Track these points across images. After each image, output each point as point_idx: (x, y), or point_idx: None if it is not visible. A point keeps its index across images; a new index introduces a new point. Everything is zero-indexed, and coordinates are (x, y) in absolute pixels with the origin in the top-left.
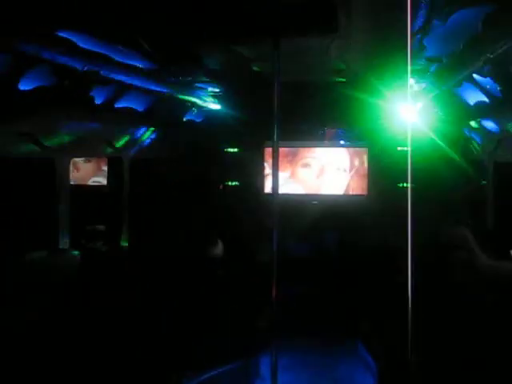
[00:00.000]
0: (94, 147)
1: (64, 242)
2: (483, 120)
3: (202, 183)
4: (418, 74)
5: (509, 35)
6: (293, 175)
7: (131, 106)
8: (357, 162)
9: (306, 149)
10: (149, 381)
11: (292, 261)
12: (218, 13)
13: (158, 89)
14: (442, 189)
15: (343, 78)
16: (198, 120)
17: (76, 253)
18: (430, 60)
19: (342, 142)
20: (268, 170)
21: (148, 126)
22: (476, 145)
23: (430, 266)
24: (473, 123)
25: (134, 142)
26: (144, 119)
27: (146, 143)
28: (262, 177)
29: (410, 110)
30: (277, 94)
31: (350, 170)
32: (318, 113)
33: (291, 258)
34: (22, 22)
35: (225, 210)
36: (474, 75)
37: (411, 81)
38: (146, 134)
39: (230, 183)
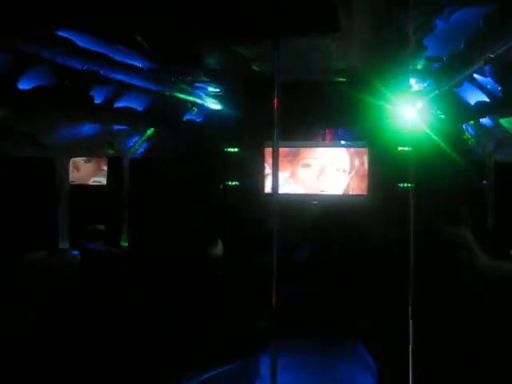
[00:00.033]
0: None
1: (64, 242)
2: (483, 119)
3: (202, 183)
4: (419, 73)
5: (510, 34)
6: (293, 175)
7: (131, 106)
8: (357, 163)
9: (307, 149)
10: (149, 381)
11: (292, 260)
12: (217, 13)
13: (158, 88)
14: (442, 188)
15: (343, 77)
16: (198, 120)
17: (76, 253)
18: (431, 60)
19: (342, 142)
20: (268, 169)
21: (148, 126)
22: (476, 144)
23: (430, 266)
24: (473, 123)
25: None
26: (144, 119)
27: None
28: (263, 177)
29: (410, 110)
30: (277, 93)
31: (350, 171)
32: (318, 113)
33: (291, 257)
34: (21, 21)
35: (225, 210)
36: (475, 75)
37: (412, 81)
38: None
39: (230, 183)
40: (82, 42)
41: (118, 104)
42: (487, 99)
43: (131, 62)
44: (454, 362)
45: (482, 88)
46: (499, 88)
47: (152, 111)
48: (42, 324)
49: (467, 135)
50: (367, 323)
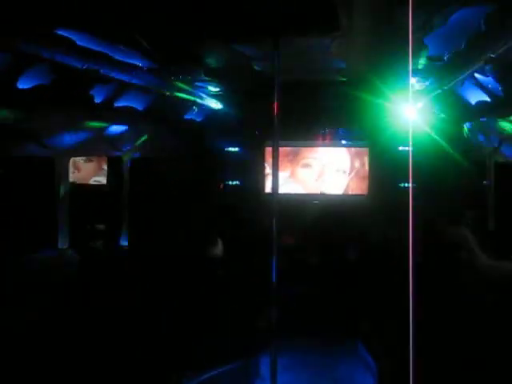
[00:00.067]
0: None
1: (63, 242)
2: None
3: (202, 182)
4: (420, 73)
5: (510, 34)
6: (292, 175)
7: (131, 105)
8: (357, 164)
9: (308, 149)
10: (149, 380)
11: (292, 260)
12: (218, 13)
13: (158, 88)
14: (442, 189)
15: (344, 77)
16: (198, 119)
17: (75, 252)
18: (432, 59)
19: (343, 142)
20: (268, 169)
21: (148, 125)
22: (477, 145)
23: (431, 266)
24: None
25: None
26: (144, 118)
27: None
28: (263, 176)
29: (411, 110)
30: (277, 93)
31: (350, 172)
32: (318, 112)
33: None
34: (21, 21)
35: (225, 210)
36: (476, 74)
37: (412, 80)
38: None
39: (230, 183)
40: (81, 41)
41: (118, 103)
42: (488, 99)
43: (131, 61)
44: (454, 361)
45: (482, 88)
46: (500, 88)
47: (152, 111)
48: (41, 324)
49: (468, 134)
50: (367, 323)
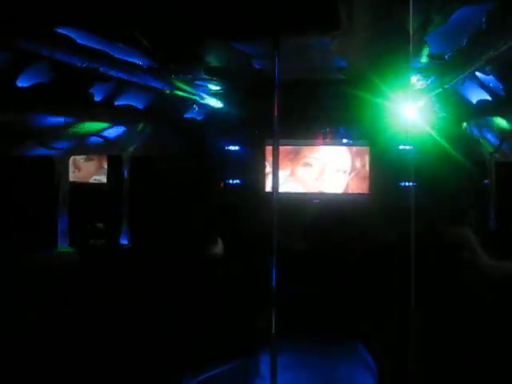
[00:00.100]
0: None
1: (63, 241)
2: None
3: (202, 181)
4: (420, 71)
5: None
6: (293, 174)
7: (131, 104)
8: (358, 164)
9: (309, 148)
10: (149, 380)
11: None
12: (218, 12)
13: (159, 86)
14: (443, 188)
15: (345, 76)
16: (198, 118)
17: (75, 251)
18: (433, 58)
19: (343, 141)
20: (269, 168)
21: (148, 124)
22: (478, 144)
23: (431, 266)
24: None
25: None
26: (144, 117)
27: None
28: (263, 175)
29: (411, 109)
30: (277, 92)
31: (351, 172)
32: (319, 111)
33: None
34: (21, 20)
35: (225, 209)
36: (477, 73)
37: (413, 79)
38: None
39: (230, 181)
40: (81, 39)
41: (118, 102)
42: (489, 98)
43: (131, 59)
44: (455, 361)
45: (484, 87)
46: (501, 86)
47: (152, 109)
48: (41, 324)
49: (469, 134)
50: (367, 323)
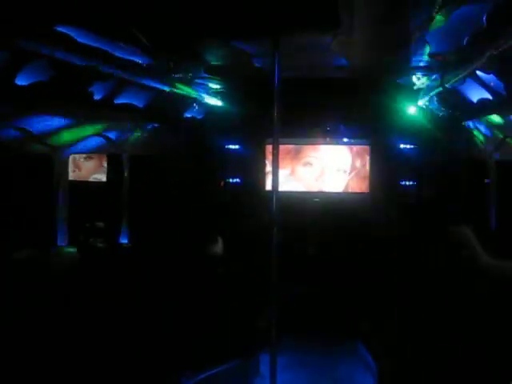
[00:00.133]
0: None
1: (62, 240)
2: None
3: (203, 180)
4: (421, 70)
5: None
6: (293, 173)
7: (131, 102)
8: (358, 164)
9: (310, 147)
10: (148, 380)
11: (292, 259)
12: (218, 12)
13: (158, 85)
14: (443, 187)
15: (345, 74)
16: (198, 117)
17: (74, 250)
18: (433, 56)
19: (344, 140)
20: (269, 167)
21: (148, 123)
22: (479, 144)
23: (432, 265)
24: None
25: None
26: (144, 115)
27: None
28: (263, 174)
29: (412, 107)
30: (277, 91)
31: (351, 172)
32: (319, 110)
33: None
34: (21, 18)
35: (225, 208)
36: (478, 72)
37: (414, 77)
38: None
39: (230, 180)
40: (81, 38)
41: (118, 100)
42: (490, 96)
43: (131, 58)
44: (455, 361)
45: (484, 86)
46: (502, 85)
47: (152, 108)
48: (40, 323)
49: (470, 133)
50: (367, 323)
